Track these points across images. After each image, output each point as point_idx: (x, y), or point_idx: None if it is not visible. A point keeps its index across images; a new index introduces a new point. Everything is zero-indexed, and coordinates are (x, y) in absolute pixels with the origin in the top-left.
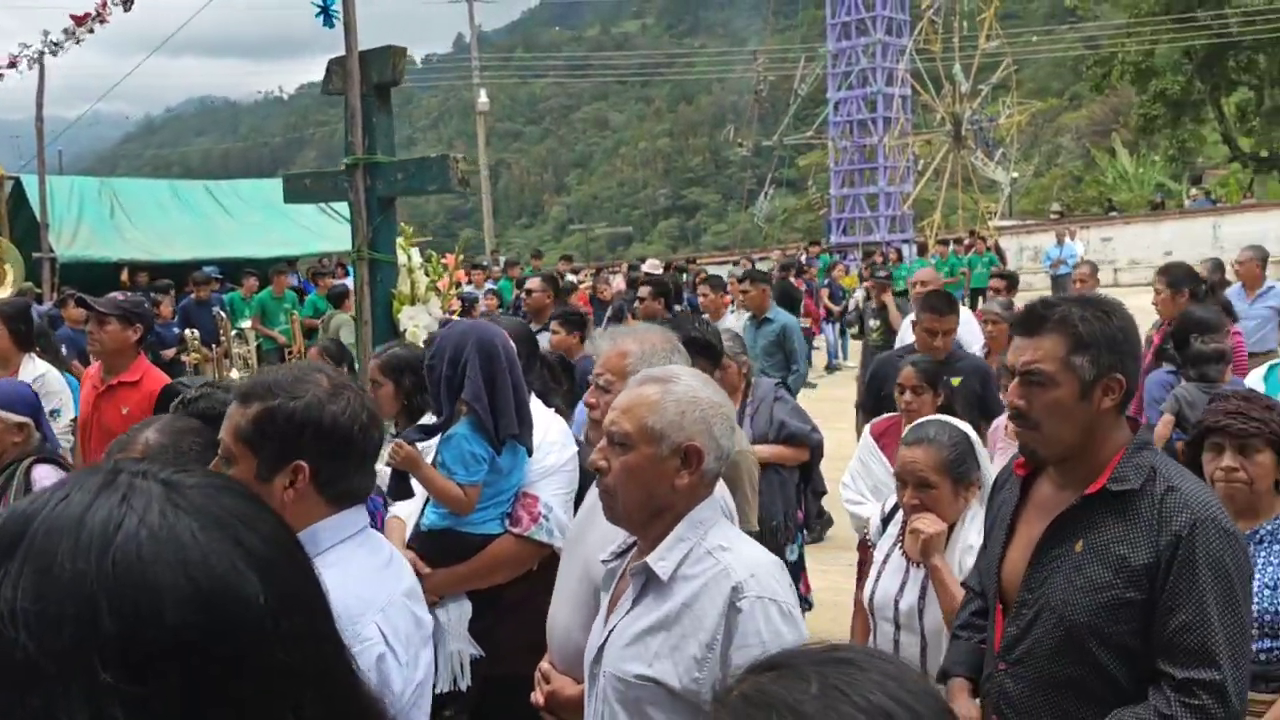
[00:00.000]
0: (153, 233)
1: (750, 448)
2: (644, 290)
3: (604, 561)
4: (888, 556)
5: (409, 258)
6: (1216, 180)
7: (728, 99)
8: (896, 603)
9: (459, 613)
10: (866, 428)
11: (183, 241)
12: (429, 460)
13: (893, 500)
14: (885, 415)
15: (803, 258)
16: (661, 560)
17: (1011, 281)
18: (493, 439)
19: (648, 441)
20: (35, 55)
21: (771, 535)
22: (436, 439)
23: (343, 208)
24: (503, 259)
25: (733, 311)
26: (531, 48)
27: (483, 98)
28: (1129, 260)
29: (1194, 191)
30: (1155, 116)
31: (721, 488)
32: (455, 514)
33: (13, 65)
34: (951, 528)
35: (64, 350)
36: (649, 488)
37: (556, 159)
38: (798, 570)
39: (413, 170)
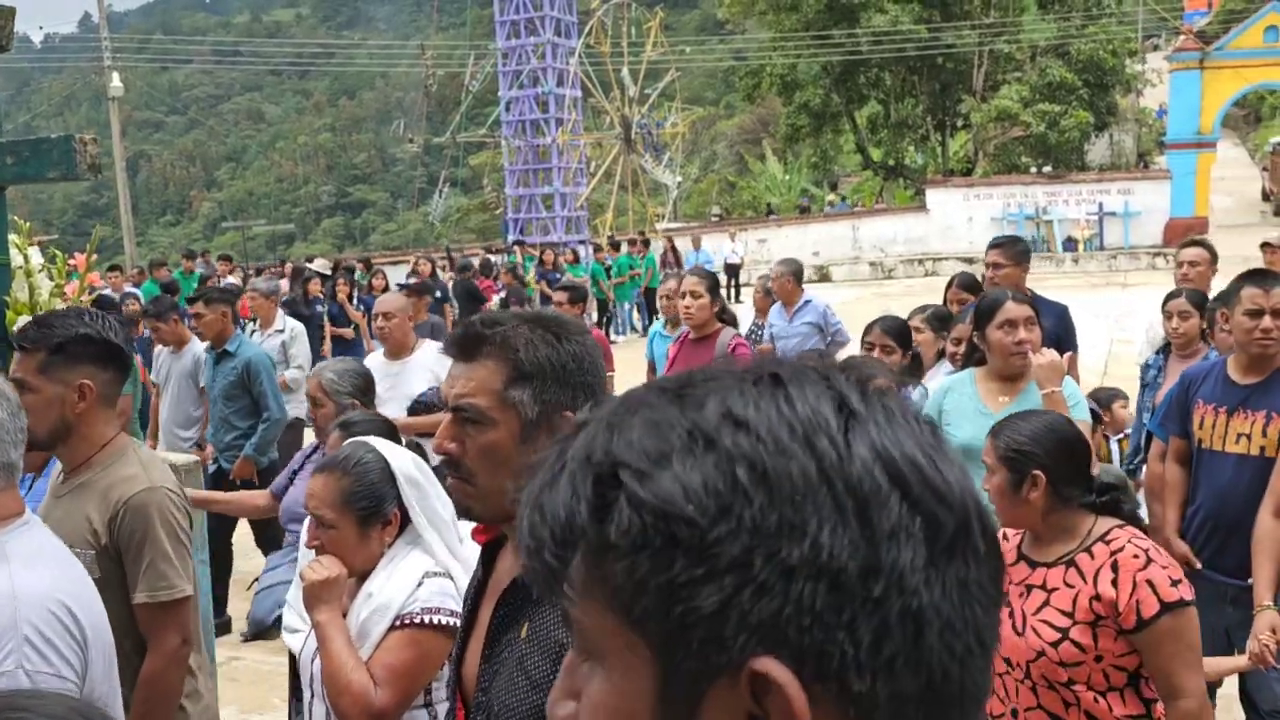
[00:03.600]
0: None
1: None
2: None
3: None
4: None
5: (26, 259)
6: (851, 187)
7: (393, 95)
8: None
9: None
10: None
11: None
12: None
13: None
14: None
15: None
16: None
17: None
18: None
19: None
20: None
21: None
22: None
23: None
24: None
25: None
26: (171, 32)
27: (116, 81)
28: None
29: (831, 197)
30: (800, 126)
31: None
32: None
33: None
34: (364, 576)
35: None
36: None
37: (205, 152)
38: None
39: (27, 153)
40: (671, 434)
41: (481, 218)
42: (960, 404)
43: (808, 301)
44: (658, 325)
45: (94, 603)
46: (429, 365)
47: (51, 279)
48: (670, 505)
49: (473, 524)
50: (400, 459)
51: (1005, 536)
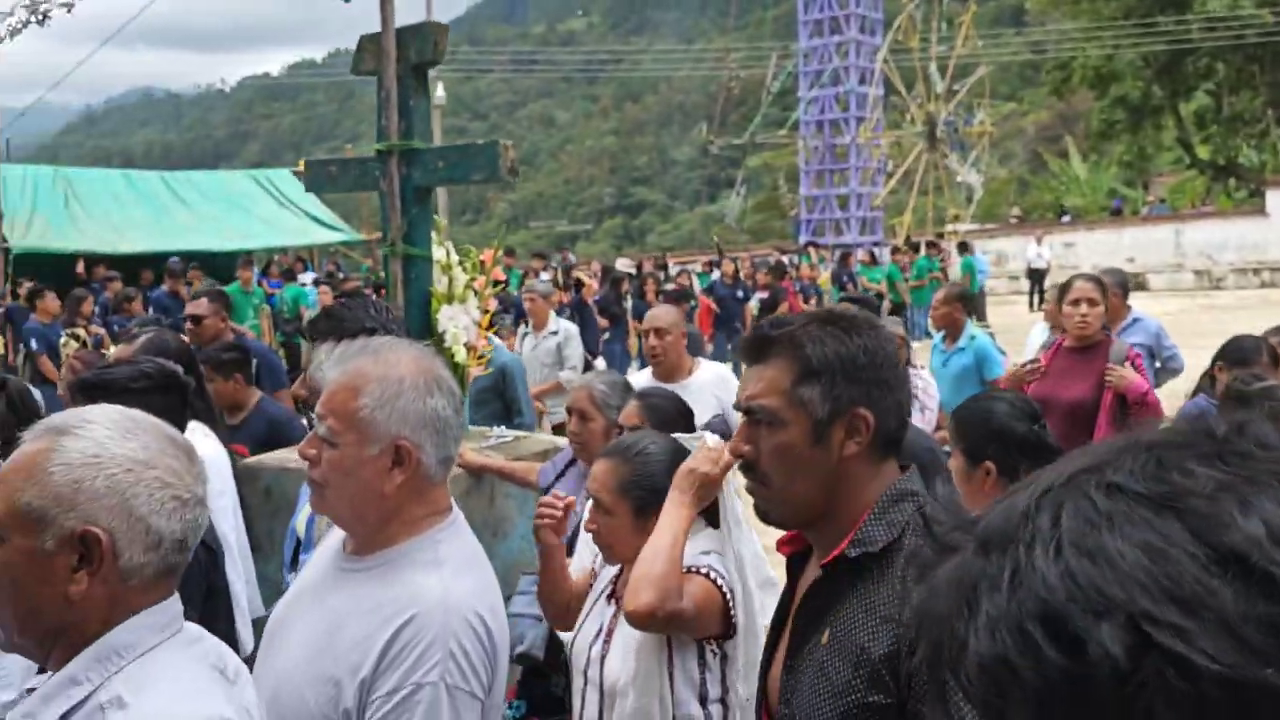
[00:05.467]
0: (107, 224)
1: None
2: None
3: None
4: (596, 600)
5: (448, 253)
6: (1168, 187)
7: (674, 98)
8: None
9: None
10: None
11: (138, 233)
12: None
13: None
14: None
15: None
16: None
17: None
18: None
19: (23, 531)
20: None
21: None
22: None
23: (306, 201)
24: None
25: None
26: (477, 43)
27: (440, 92)
28: (1091, 266)
29: (1149, 198)
30: (1115, 121)
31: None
32: None
33: None
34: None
35: (34, 345)
36: (30, 601)
37: None
38: None
39: (455, 158)
40: (1188, 565)
41: (757, 218)
42: None
43: (1136, 319)
44: (938, 337)
45: (501, 613)
46: (711, 388)
47: (465, 272)
48: (1242, 671)
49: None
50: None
51: None
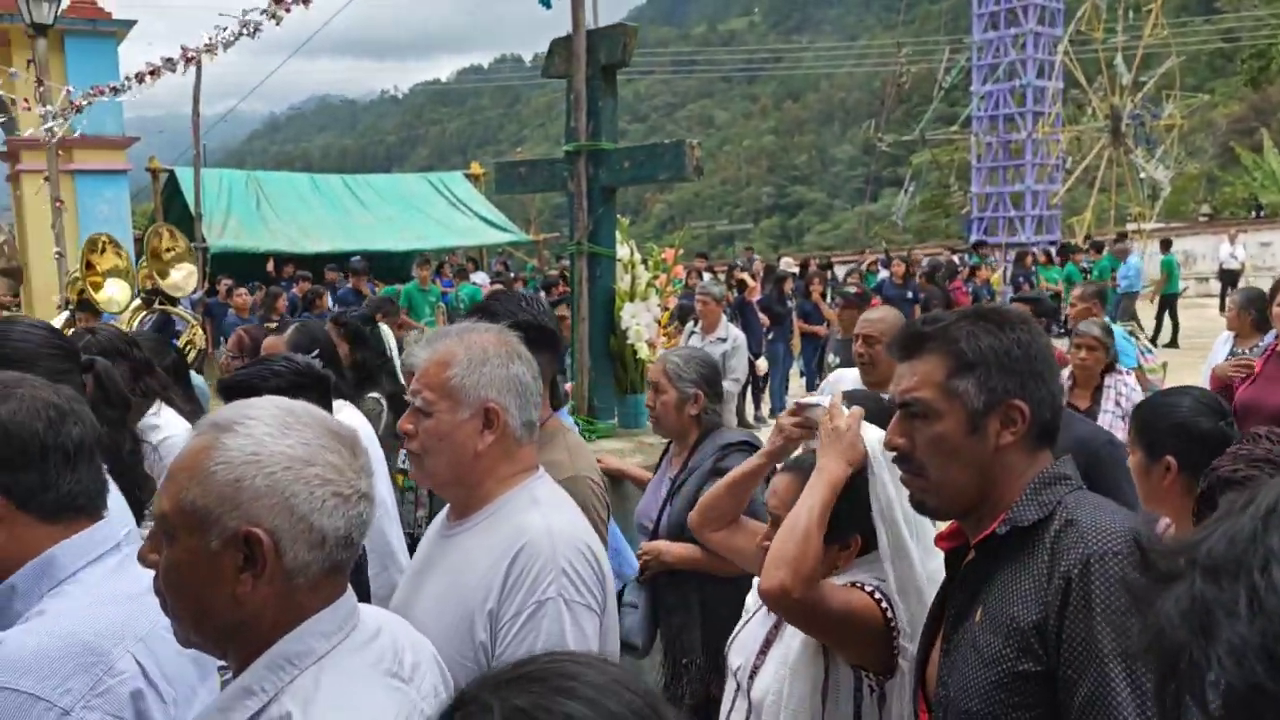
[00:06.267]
0: (294, 224)
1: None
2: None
3: None
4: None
5: (632, 252)
6: None
7: (835, 95)
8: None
9: None
10: None
11: (322, 233)
12: None
13: None
14: None
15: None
16: None
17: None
18: None
19: (190, 530)
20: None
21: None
22: None
23: (476, 202)
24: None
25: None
26: (639, 45)
27: None
28: None
29: None
30: None
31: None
32: None
33: (190, 60)
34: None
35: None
36: (200, 600)
37: None
38: None
39: (642, 158)
40: None
41: (920, 217)
42: None
43: None
44: (1226, 334)
45: (603, 550)
46: None
47: (648, 270)
48: None
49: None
50: (883, 485)
51: None
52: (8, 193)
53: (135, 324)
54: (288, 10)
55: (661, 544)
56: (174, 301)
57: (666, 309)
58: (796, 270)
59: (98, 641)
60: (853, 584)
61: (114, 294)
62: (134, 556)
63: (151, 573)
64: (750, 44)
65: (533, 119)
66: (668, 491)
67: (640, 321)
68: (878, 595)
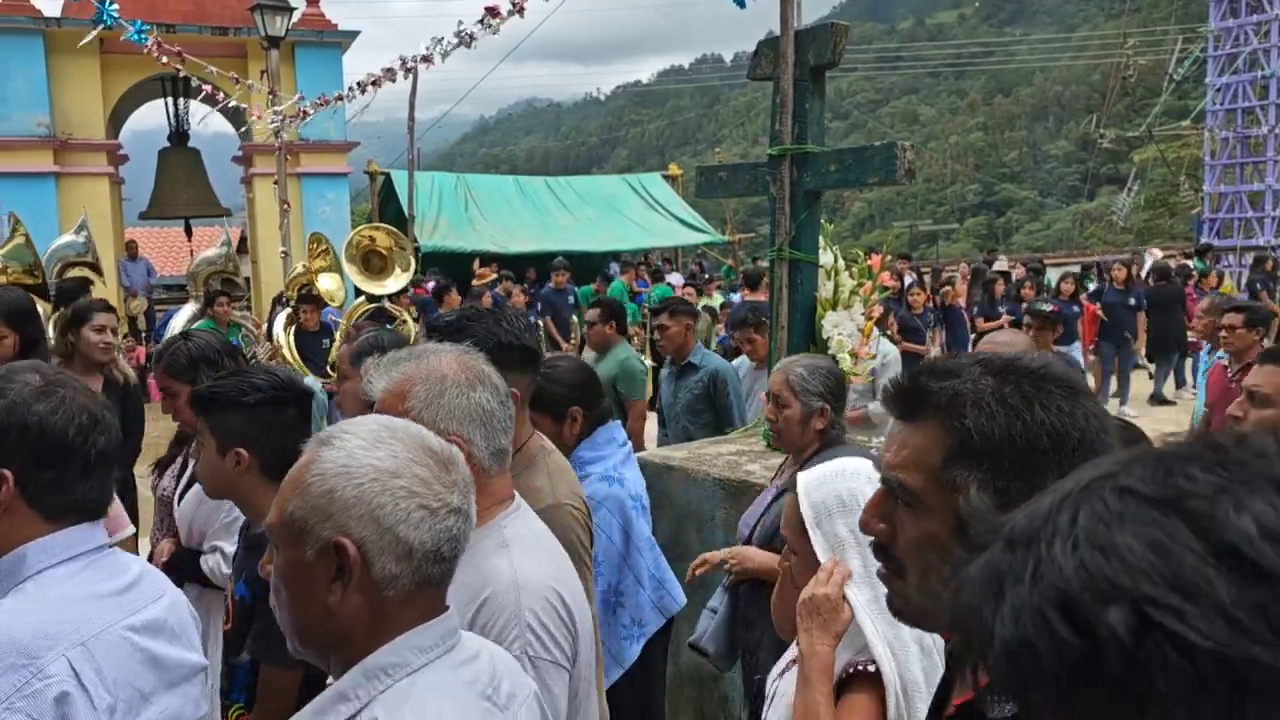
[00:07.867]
0: (499, 226)
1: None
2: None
3: None
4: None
5: (836, 258)
6: None
7: (1051, 89)
8: None
9: None
10: None
11: (525, 234)
12: None
13: None
14: None
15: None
16: None
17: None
18: None
19: (290, 540)
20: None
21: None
22: None
23: (673, 204)
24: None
25: None
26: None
27: None
28: None
29: None
30: None
31: None
32: None
33: (409, 70)
34: None
35: None
36: (301, 610)
37: None
38: None
39: (849, 161)
40: (1187, 557)
41: (1142, 217)
42: None
43: None
44: (1204, 350)
45: (579, 592)
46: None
47: (853, 278)
48: (1233, 649)
49: None
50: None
51: None
52: (242, 194)
53: (358, 316)
54: (503, 20)
55: (748, 550)
56: (393, 298)
57: (870, 318)
58: (1011, 269)
59: (33, 643)
60: (846, 670)
61: (329, 288)
62: (111, 556)
63: (130, 574)
64: (959, 38)
65: (731, 119)
66: (770, 499)
67: (843, 331)
68: (872, 669)
